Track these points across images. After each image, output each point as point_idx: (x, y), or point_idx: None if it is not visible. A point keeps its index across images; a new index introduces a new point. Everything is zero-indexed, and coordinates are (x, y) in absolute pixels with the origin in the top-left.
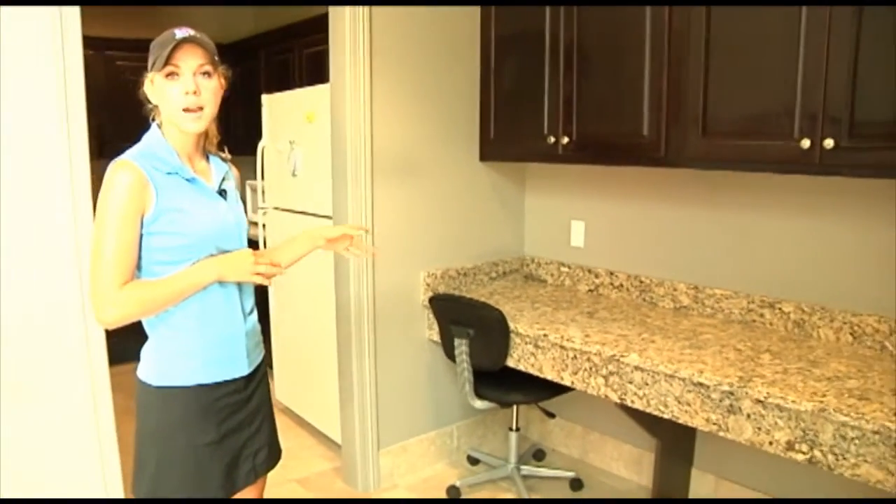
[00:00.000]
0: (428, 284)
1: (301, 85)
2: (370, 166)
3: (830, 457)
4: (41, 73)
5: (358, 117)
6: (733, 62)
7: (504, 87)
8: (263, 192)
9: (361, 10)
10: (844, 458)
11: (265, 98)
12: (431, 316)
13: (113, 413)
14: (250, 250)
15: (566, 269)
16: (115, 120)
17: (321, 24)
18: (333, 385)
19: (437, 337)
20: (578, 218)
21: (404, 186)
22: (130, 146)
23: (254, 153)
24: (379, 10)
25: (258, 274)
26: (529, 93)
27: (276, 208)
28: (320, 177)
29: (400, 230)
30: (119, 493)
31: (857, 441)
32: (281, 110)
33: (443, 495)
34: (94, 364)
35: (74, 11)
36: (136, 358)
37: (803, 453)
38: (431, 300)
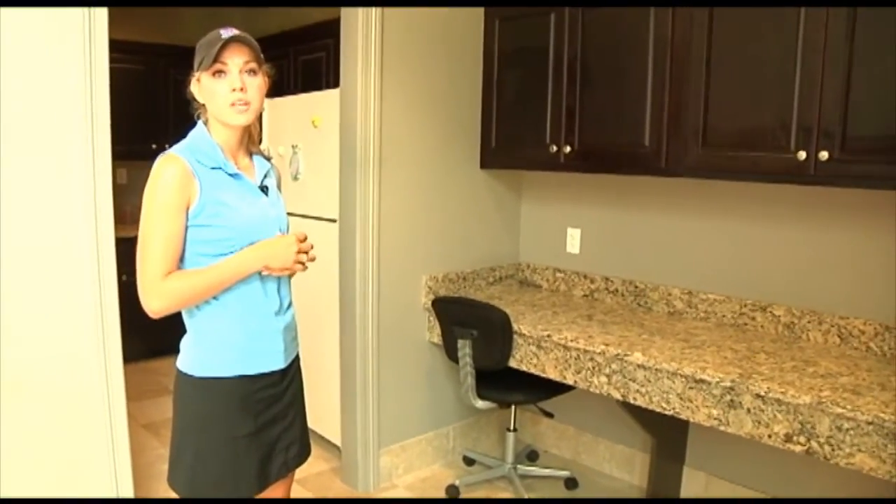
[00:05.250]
0: (429, 287)
1: (295, 91)
2: (378, 171)
3: (827, 447)
4: (68, 73)
5: (367, 122)
6: (733, 77)
7: (506, 97)
8: None
9: (374, 12)
10: (840, 449)
11: (266, 102)
12: (432, 318)
13: (126, 413)
14: (293, 236)
15: (561, 275)
16: None
17: (318, 32)
18: (330, 387)
19: (436, 339)
20: (574, 225)
21: (409, 191)
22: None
23: None
24: (390, 15)
25: (300, 263)
26: (532, 103)
27: None
28: (324, 181)
29: (404, 234)
30: (129, 493)
31: (851, 432)
32: (283, 115)
33: (441, 494)
34: (109, 363)
35: (102, 13)
36: (176, 351)
37: (801, 444)
38: (435, 302)
